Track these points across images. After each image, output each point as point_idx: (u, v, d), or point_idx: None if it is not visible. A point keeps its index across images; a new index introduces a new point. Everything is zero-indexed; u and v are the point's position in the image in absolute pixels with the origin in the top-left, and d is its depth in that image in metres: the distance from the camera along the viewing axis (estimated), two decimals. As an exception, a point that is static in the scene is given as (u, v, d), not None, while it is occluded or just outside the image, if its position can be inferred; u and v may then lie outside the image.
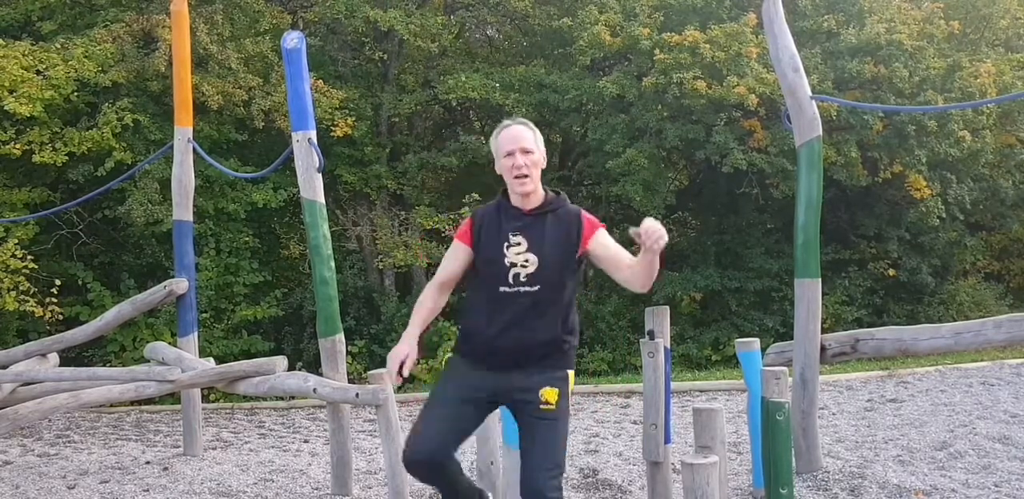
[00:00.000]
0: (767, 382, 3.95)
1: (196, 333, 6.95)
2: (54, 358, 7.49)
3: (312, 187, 5.54)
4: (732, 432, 6.45)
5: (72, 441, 7.98)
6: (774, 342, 5.91)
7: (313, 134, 5.55)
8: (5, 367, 7.19)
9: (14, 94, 10.37)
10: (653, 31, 12.65)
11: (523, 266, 3.15)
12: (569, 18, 13.44)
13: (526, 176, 3.17)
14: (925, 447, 5.74)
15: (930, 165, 13.06)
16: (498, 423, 4.04)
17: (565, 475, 5.40)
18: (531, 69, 13.85)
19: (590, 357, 13.28)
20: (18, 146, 10.72)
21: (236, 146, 12.79)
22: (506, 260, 3.16)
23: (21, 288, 10.41)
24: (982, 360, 9.86)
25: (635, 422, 7.40)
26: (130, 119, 11.22)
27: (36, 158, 10.79)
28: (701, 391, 9.09)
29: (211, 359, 6.91)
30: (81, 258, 12.35)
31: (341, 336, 5.60)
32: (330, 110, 12.26)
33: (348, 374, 5.80)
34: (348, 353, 7.98)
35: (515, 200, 3.24)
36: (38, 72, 10.68)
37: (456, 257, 3.33)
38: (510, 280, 3.15)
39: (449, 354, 3.33)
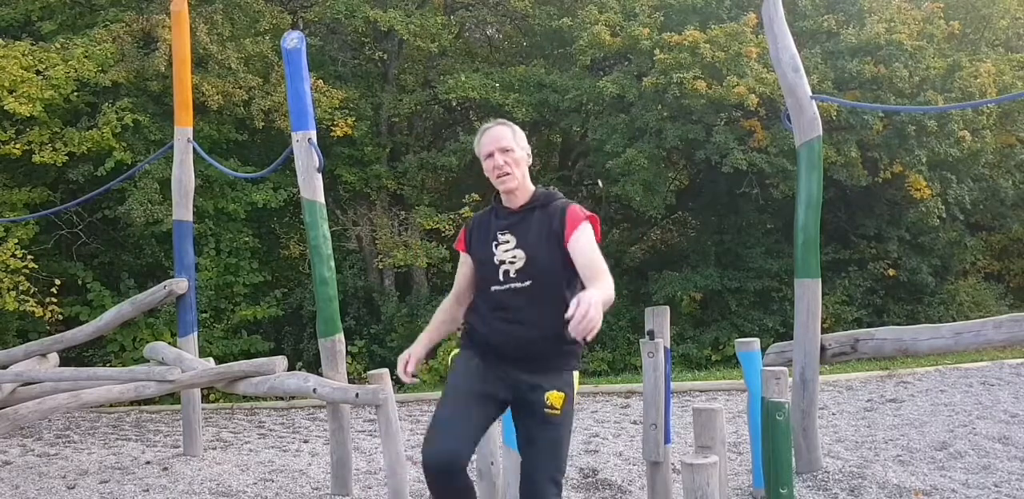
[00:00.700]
0: (767, 382, 3.94)
1: (196, 333, 6.95)
2: (54, 358, 7.49)
3: (312, 187, 5.53)
4: (732, 432, 6.45)
5: (72, 441, 7.98)
6: (774, 342, 5.91)
7: (313, 134, 5.55)
8: (5, 367, 7.18)
9: (14, 94, 10.38)
10: (653, 31, 12.65)
11: (511, 262, 3.13)
12: (569, 18, 13.45)
13: (507, 173, 3.18)
14: (925, 447, 5.74)
15: (930, 165, 13.06)
16: (498, 423, 4.04)
17: (565, 475, 5.42)
18: (531, 69, 13.86)
19: (590, 357, 13.28)
20: (18, 146, 10.73)
21: (236, 146, 12.80)
22: (495, 259, 3.15)
23: (21, 288, 10.42)
24: (982, 360, 9.85)
25: (635, 422, 7.40)
26: (130, 119, 11.23)
27: (36, 158, 10.80)
28: (701, 391, 9.08)
29: (211, 359, 6.90)
30: (81, 258, 12.36)
31: (341, 336, 5.60)
32: (330, 110, 12.27)
33: (348, 374, 5.79)
34: (348, 353, 7.99)
35: (505, 200, 3.25)
36: (38, 72, 10.68)
37: (462, 267, 3.34)
38: (500, 277, 3.13)
39: (455, 351, 3.31)
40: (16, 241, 10.51)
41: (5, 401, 6.69)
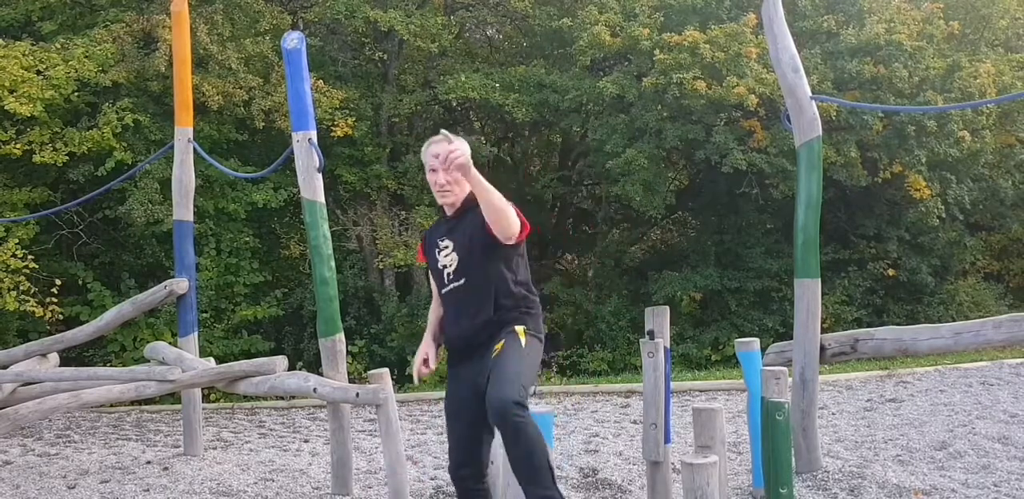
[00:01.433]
0: (767, 382, 3.95)
1: (196, 333, 6.95)
2: (54, 358, 7.49)
3: (312, 187, 5.54)
4: (732, 432, 6.45)
5: (72, 441, 7.99)
6: (774, 342, 5.92)
7: (313, 134, 5.55)
8: (5, 367, 7.18)
9: (14, 94, 10.38)
10: (653, 31, 12.66)
11: (449, 265, 3.43)
12: (569, 18, 13.45)
13: (447, 190, 3.40)
14: (924, 447, 5.74)
15: (930, 165, 13.07)
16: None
17: (565, 475, 5.43)
18: (531, 69, 13.86)
19: (590, 357, 13.29)
20: (18, 146, 10.73)
21: (236, 146, 12.80)
22: (439, 264, 3.46)
23: (21, 288, 10.43)
24: (982, 360, 9.86)
25: (635, 422, 7.40)
26: (130, 119, 11.23)
27: (36, 158, 10.80)
28: (701, 391, 9.08)
29: (211, 359, 6.90)
30: (81, 258, 12.36)
31: (341, 336, 5.60)
32: (330, 110, 12.27)
33: (348, 374, 5.80)
34: (348, 353, 7.97)
35: (446, 210, 3.51)
36: (38, 72, 10.69)
37: (431, 274, 3.59)
38: (445, 280, 3.44)
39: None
40: (16, 241, 10.51)
41: (5, 401, 6.69)
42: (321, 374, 5.60)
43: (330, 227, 5.85)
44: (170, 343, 7.28)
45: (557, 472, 3.87)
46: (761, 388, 4.03)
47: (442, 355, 3.64)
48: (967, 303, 14.52)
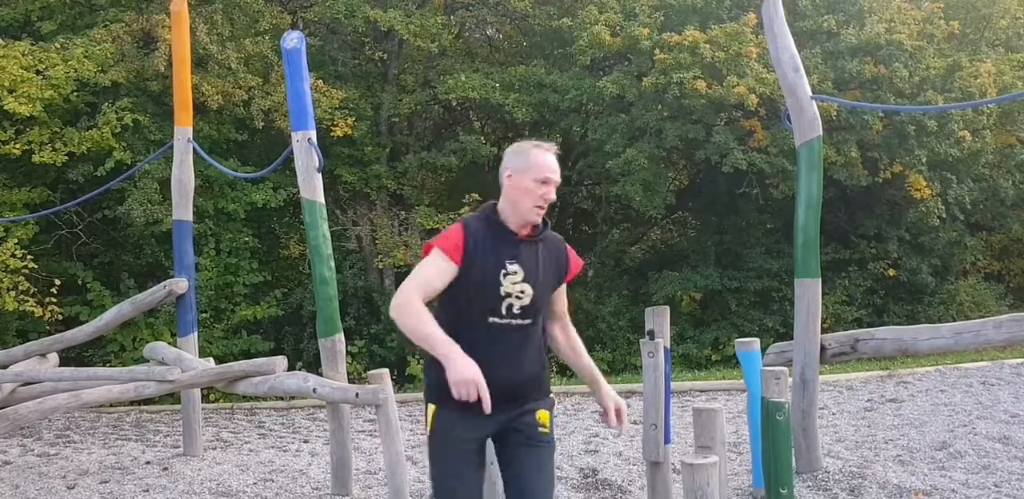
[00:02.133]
0: (767, 382, 3.94)
1: (196, 333, 6.95)
2: (54, 358, 7.49)
3: (312, 187, 5.53)
4: (732, 432, 6.44)
5: (72, 441, 7.98)
6: (774, 342, 5.91)
7: (313, 134, 5.55)
8: (5, 367, 7.18)
9: (14, 94, 10.37)
10: (653, 31, 12.65)
11: (518, 297, 2.88)
12: (569, 18, 13.44)
13: (546, 209, 3.00)
14: (925, 447, 5.73)
15: (930, 165, 13.06)
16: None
17: (565, 475, 5.42)
18: (531, 69, 13.85)
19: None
20: (18, 146, 10.72)
21: (236, 146, 12.79)
22: (502, 289, 2.86)
23: (21, 288, 10.42)
24: (982, 360, 9.85)
25: (635, 422, 7.38)
26: (130, 119, 11.23)
27: (36, 158, 10.79)
28: (701, 391, 9.08)
29: (211, 359, 6.90)
30: (81, 258, 12.35)
31: (341, 336, 5.60)
32: (330, 110, 12.26)
33: (348, 374, 5.79)
34: (348, 353, 7.98)
35: (511, 223, 2.95)
36: (38, 72, 10.68)
37: (444, 273, 2.86)
38: (503, 311, 2.86)
39: (431, 406, 2.92)
40: (16, 241, 10.50)
41: (5, 401, 6.69)
42: (321, 374, 5.60)
43: (330, 227, 5.85)
44: (169, 343, 7.28)
45: (557, 472, 3.85)
46: (761, 388, 4.03)
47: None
48: (967, 303, 14.52)
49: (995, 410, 6.92)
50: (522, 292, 2.88)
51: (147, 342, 8.85)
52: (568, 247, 3.11)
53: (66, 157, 10.96)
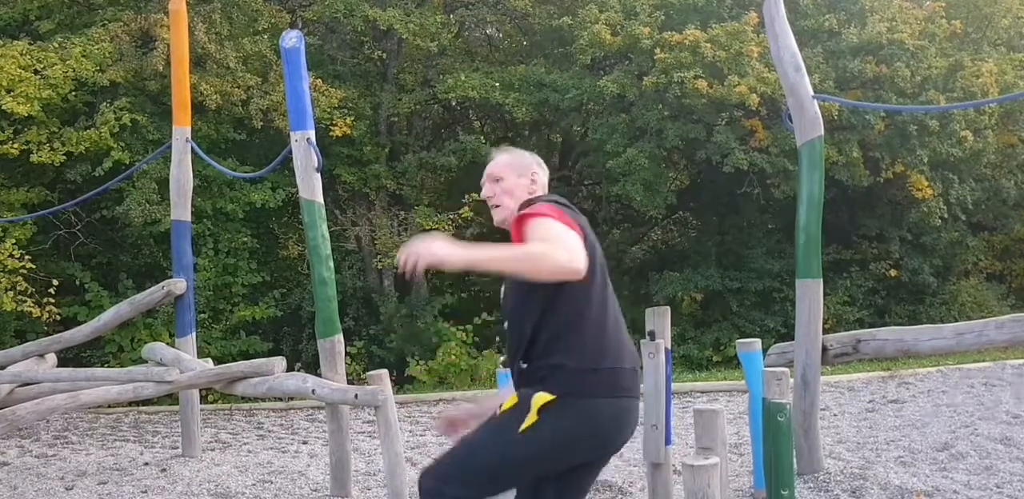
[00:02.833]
0: (768, 383, 3.92)
1: (194, 334, 6.92)
2: (52, 359, 7.46)
3: (311, 187, 5.51)
4: (733, 433, 6.42)
5: (70, 442, 7.95)
6: (775, 343, 5.88)
7: (312, 134, 5.53)
8: (3, 368, 7.16)
9: (12, 93, 10.35)
10: (654, 30, 12.62)
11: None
12: (569, 17, 13.42)
13: (496, 205, 2.92)
14: (927, 448, 5.71)
15: (932, 165, 13.04)
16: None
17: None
18: (531, 68, 13.83)
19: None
20: (16, 146, 10.70)
21: (234, 146, 12.77)
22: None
23: (19, 288, 10.40)
24: (984, 361, 9.83)
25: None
26: (128, 119, 11.20)
27: (34, 158, 10.77)
28: (702, 392, 9.05)
29: (209, 360, 6.87)
30: (79, 258, 12.33)
31: (340, 337, 5.57)
32: (329, 109, 12.23)
33: (347, 375, 5.77)
34: (347, 354, 7.95)
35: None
36: (36, 71, 10.65)
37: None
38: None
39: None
40: (14, 241, 10.48)
41: (3, 402, 6.67)
42: (319, 375, 5.57)
43: (329, 227, 5.83)
44: (168, 344, 7.26)
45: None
46: (762, 389, 4.00)
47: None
48: (969, 303, 14.50)
49: (997, 411, 6.89)
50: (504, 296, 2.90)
51: (145, 343, 8.82)
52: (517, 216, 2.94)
53: (64, 157, 10.94)
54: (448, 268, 2.50)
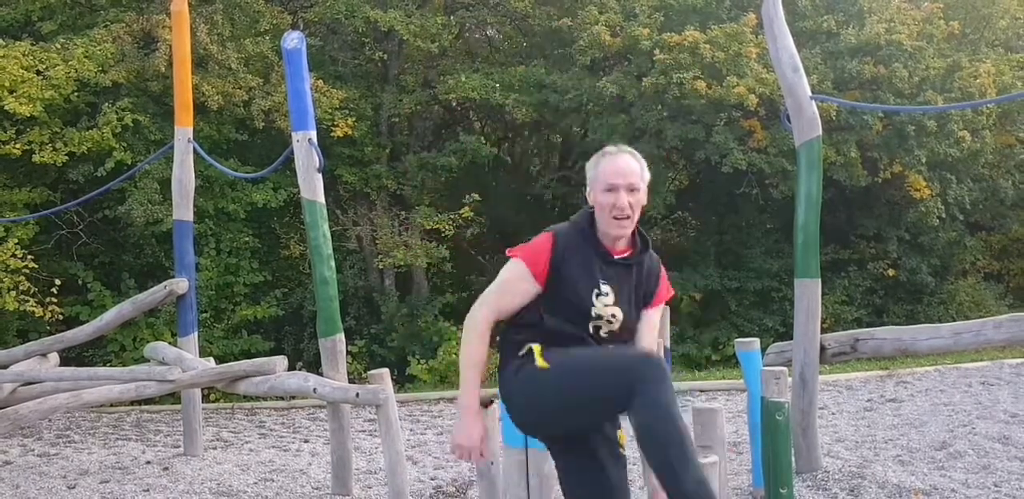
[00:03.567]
0: (767, 382, 3.95)
1: (196, 333, 6.95)
2: (54, 358, 7.49)
3: (312, 187, 5.54)
4: (732, 432, 6.44)
5: (72, 441, 7.98)
6: (774, 342, 5.92)
7: (313, 134, 5.56)
8: (5, 367, 7.18)
9: (14, 94, 10.36)
10: (653, 31, 12.65)
11: (608, 322, 2.72)
12: (569, 18, 13.44)
13: (628, 217, 2.73)
14: (925, 447, 5.74)
15: (930, 165, 13.07)
16: (498, 422, 4.04)
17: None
18: (531, 69, 13.85)
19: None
20: (18, 146, 10.72)
21: (236, 146, 12.78)
22: (593, 311, 2.70)
23: (21, 288, 10.41)
24: (982, 360, 9.85)
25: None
26: (130, 119, 11.22)
27: (36, 158, 10.79)
28: (701, 391, 9.08)
29: (211, 359, 6.90)
30: (81, 258, 12.35)
31: (341, 336, 5.60)
32: (330, 110, 12.25)
33: (348, 374, 5.80)
34: (348, 353, 7.98)
35: (604, 238, 2.77)
36: (38, 72, 10.67)
37: (521, 292, 2.74)
38: (590, 331, 2.72)
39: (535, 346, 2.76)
40: (16, 241, 10.49)
41: (6, 401, 6.69)
42: (321, 374, 5.60)
43: (330, 227, 5.86)
44: (170, 343, 7.28)
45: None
46: (761, 388, 4.03)
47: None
48: (967, 303, 14.53)
49: (995, 410, 6.92)
50: (613, 316, 2.72)
51: (147, 342, 8.86)
52: (663, 271, 2.91)
53: (66, 157, 10.95)
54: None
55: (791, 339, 5.30)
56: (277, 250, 13.86)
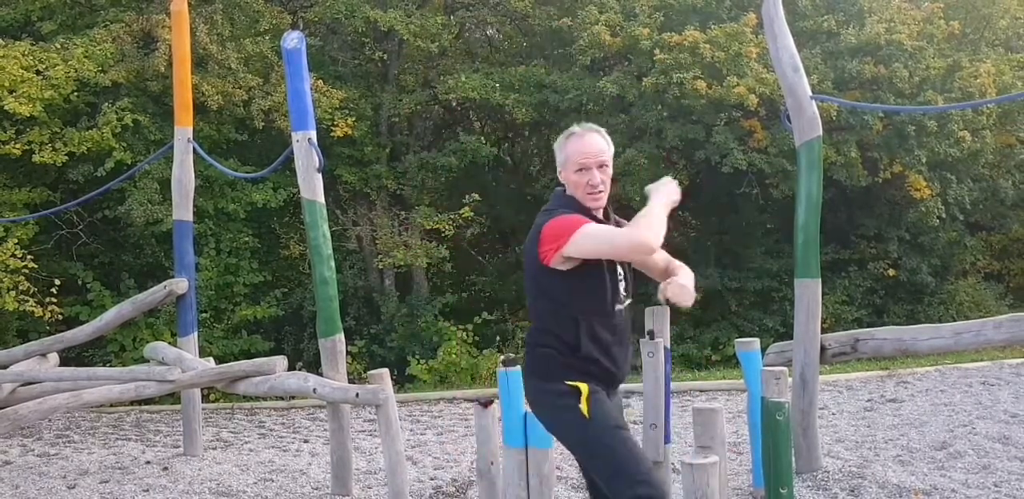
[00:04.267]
0: (767, 382, 3.95)
1: (196, 333, 6.96)
2: (54, 358, 7.49)
3: (312, 187, 5.54)
4: (732, 432, 6.45)
5: (72, 441, 7.98)
6: (774, 342, 5.91)
7: (313, 134, 5.55)
8: (5, 367, 7.19)
9: (14, 94, 10.36)
10: (653, 31, 12.65)
11: (624, 278, 3.15)
12: (569, 18, 13.44)
13: (602, 191, 3.05)
14: (925, 447, 5.74)
15: (930, 165, 13.06)
16: (498, 422, 4.04)
17: (565, 475, 5.43)
18: (531, 69, 13.85)
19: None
20: (18, 146, 10.72)
21: (236, 146, 12.79)
22: (619, 271, 3.12)
23: (21, 288, 10.41)
24: (982, 360, 9.85)
25: (635, 422, 7.39)
26: (130, 119, 11.22)
27: (36, 158, 10.79)
28: (701, 391, 9.08)
29: (211, 359, 6.91)
30: (81, 258, 12.35)
31: (341, 336, 5.60)
32: (330, 110, 12.25)
33: (348, 374, 5.80)
34: (348, 353, 7.98)
35: (594, 212, 3.11)
36: (38, 72, 10.67)
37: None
38: (621, 294, 3.11)
39: (582, 385, 2.98)
40: (16, 241, 10.49)
41: (5, 401, 6.70)
42: (321, 374, 5.60)
43: (330, 227, 5.86)
44: (170, 343, 7.28)
45: (557, 472, 3.82)
46: (761, 388, 4.03)
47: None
48: (967, 303, 14.53)
49: (995, 410, 6.92)
50: (623, 273, 3.09)
51: (147, 342, 8.86)
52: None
53: (66, 157, 10.95)
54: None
55: (791, 339, 5.30)
56: (277, 250, 13.86)
